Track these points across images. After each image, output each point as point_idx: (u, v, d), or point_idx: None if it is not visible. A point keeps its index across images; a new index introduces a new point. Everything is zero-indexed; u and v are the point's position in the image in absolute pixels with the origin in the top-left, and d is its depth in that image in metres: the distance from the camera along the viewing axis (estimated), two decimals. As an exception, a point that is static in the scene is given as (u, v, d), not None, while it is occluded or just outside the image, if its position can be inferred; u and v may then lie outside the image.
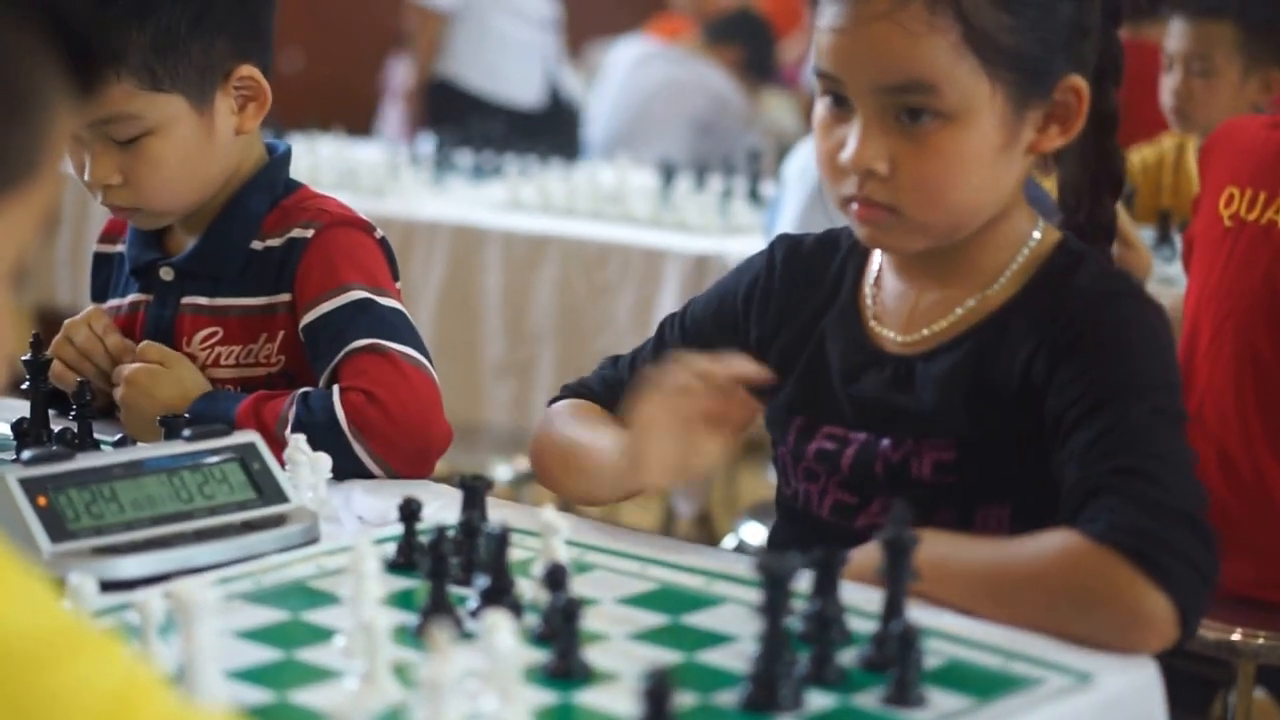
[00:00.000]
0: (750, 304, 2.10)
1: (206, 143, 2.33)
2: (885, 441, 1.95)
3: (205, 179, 2.37)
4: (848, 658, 1.59)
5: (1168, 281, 3.68)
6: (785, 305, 2.08)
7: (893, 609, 1.59)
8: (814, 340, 2.05)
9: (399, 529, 1.86)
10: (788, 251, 2.11)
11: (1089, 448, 1.79)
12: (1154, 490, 1.73)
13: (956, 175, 1.87)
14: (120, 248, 2.53)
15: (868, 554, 1.73)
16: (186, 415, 2.17)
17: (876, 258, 2.05)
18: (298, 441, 2.04)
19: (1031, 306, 1.92)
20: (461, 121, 6.47)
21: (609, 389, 2.15)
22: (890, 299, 2.02)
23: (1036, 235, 1.97)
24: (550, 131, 6.71)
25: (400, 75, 8.19)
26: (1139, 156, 4.43)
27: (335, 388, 2.23)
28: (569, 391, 2.19)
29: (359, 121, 7.65)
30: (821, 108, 1.93)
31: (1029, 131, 1.91)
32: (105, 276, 2.57)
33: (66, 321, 2.46)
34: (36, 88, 1.12)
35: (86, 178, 2.31)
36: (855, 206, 1.91)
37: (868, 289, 2.04)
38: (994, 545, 1.78)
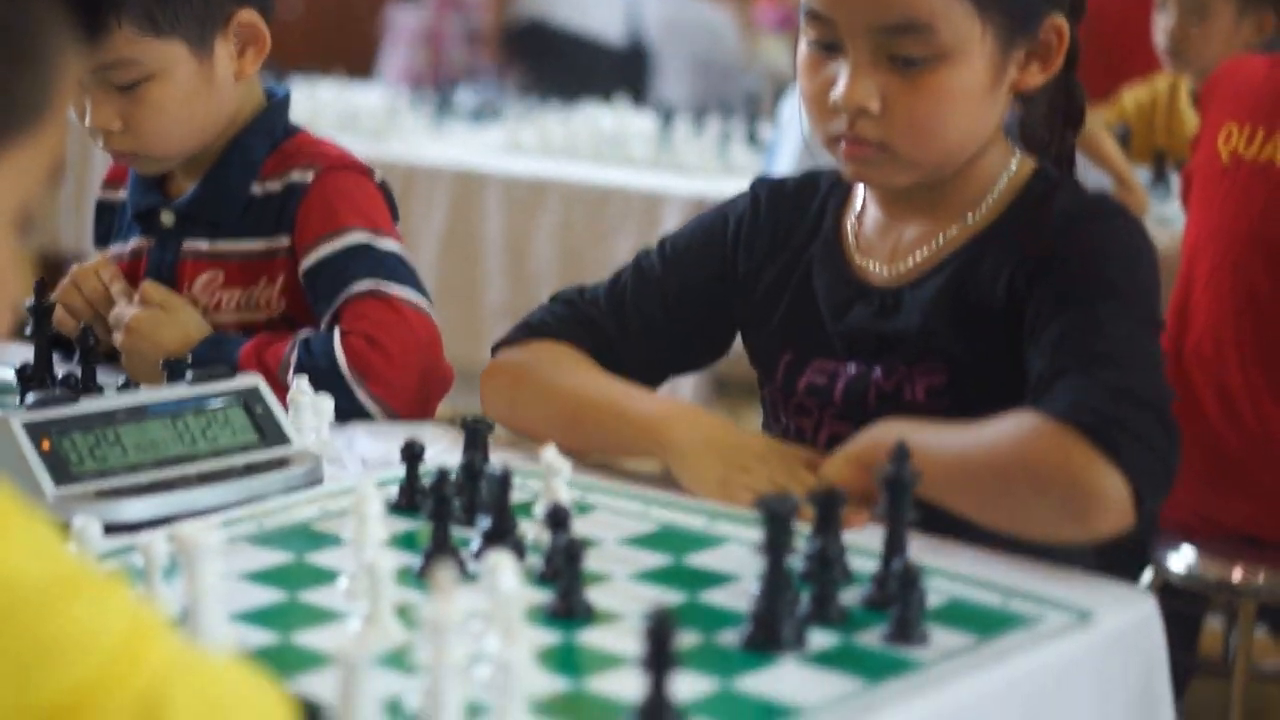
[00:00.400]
0: (738, 242, 2.11)
1: (206, 88, 2.33)
2: (877, 371, 1.97)
3: (205, 124, 2.37)
4: (849, 597, 1.59)
5: (1164, 221, 3.69)
6: (770, 244, 2.09)
7: (894, 548, 1.60)
8: (798, 277, 2.07)
9: (401, 471, 1.87)
10: (770, 191, 2.14)
11: (1058, 339, 1.82)
12: (1117, 376, 1.75)
13: (947, 114, 1.90)
14: (123, 195, 2.54)
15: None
16: (189, 359, 2.18)
17: (859, 194, 2.07)
18: (300, 384, 2.05)
19: (1012, 229, 1.96)
20: (556, 61, 6.43)
21: (581, 327, 2.12)
22: (873, 233, 2.05)
23: (1013, 165, 2.01)
24: (632, 71, 6.67)
25: (415, 20, 8.10)
26: (1132, 97, 4.44)
27: (336, 331, 2.23)
28: (529, 332, 2.13)
29: (359, 65, 7.63)
30: (806, 47, 1.95)
31: (1013, 70, 1.94)
32: (108, 223, 2.58)
33: (74, 268, 2.46)
34: (43, 34, 1.12)
35: (87, 123, 2.31)
36: (843, 144, 1.93)
37: (850, 224, 2.06)
38: (961, 430, 1.79)
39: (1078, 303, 1.84)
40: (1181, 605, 3.07)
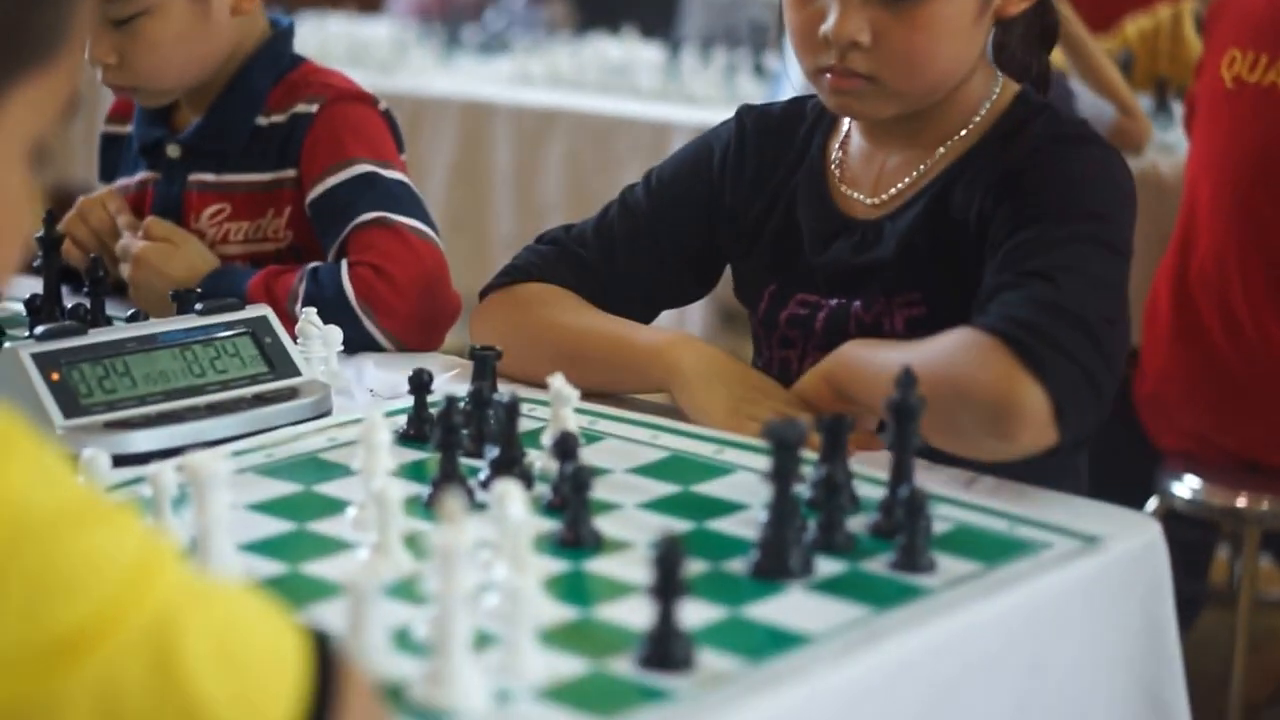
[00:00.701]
0: (725, 170, 2.12)
1: (202, 24, 2.33)
2: (857, 304, 1.98)
3: (201, 60, 2.36)
4: (856, 524, 1.60)
5: (1166, 148, 3.68)
6: (756, 173, 2.10)
7: (900, 475, 1.60)
8: (783, 208, 2.07)
9: (410, 401, 1.87)
10: (757, 119, 2.13)
11: (1006, 255, 1.83)
12: (1053, 292, 1.76)
13: (938, 45, 1.90)
14: (128, 128, 2.54)
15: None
16: (198, 290, 2.18)
17: (844, 122, 2.08)
18: (309, 315, 2.06)
19: (989, 153, 1.96)
20: None
21: (569, 267, 2.12)
22: (858, 163, 2.05)
23: (996, 91, 2.01)
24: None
25: None
26: (1135, 26, 4.44)
27: (344, 262, 2.24)
28: (517, 274, 2.12)
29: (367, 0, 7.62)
30: None
31: None
32: (114, 156, 2.58)
33: (80, 199, 2.47)
34: None
35: (84, 57, 2.31)
36: (829, 76, 1.94)
37: (834, 154, 2.06)
38: (910, 346, 1.80)
39: (1032, 221, 1.85)
40: (1189, 533, 3.08)
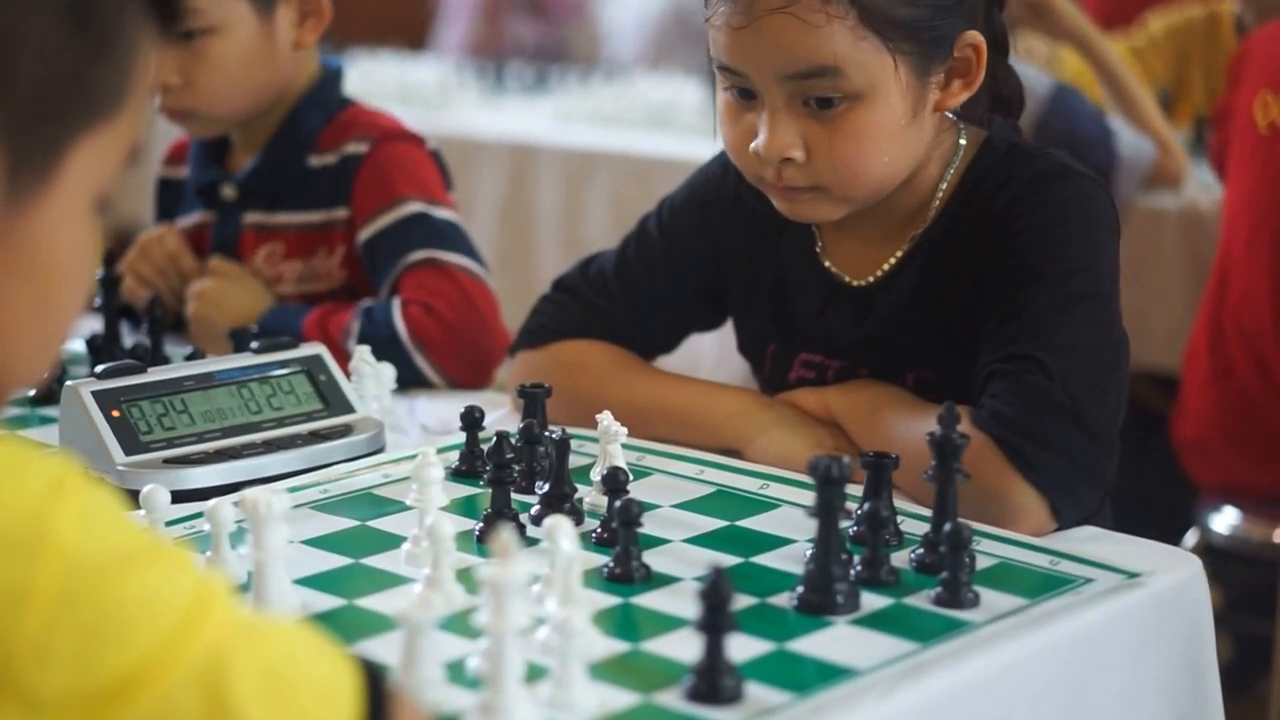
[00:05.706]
0: (725, 205, 2.09)
1: (264, 51, 2.36)
2: (863, 370, 1.99)
3: (260, 88, 2.40)
4: (900, 559, 1.62)
5: (1205, 186, 3.61)
6: (750, 222, 2.08)
7: (943, 511, 1.61)
8: (774, 266, 2.06)
9: (462, 437, 1.90)
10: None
11: (993, 333, 1.83)
12: (1038, 379, 1.76)
13: (870, 152, 1.86)
14: (184, 172, 2.57)
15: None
16: (254, 329, 2.21)
17: None
18: (363, 353, 2.08)
19: (969, 210, 1.93)
20: None
21: (598, 321, 2.13)
22: (836, 244, 2.03)
23: (962, 145, 1.97)
24: None
25: None
26: (1163, 22, 4.26)
27: (395, 301, 2.27)
28: (547, 334, 2.13)
29: (415, 36, 7.63)
30: (724, 96, 1.92)
31: (934, 93, 1.89)
32: (171, 199, 2.61)
33: (140, 238, 2.50)
34: (124, 25, 1.15)
35: (147, 107, 2.33)
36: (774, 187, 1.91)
37: (815, 229, 2.04)
38: (921, 416, 1.81)
39: (1014, 290, 1.83)
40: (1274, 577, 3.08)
